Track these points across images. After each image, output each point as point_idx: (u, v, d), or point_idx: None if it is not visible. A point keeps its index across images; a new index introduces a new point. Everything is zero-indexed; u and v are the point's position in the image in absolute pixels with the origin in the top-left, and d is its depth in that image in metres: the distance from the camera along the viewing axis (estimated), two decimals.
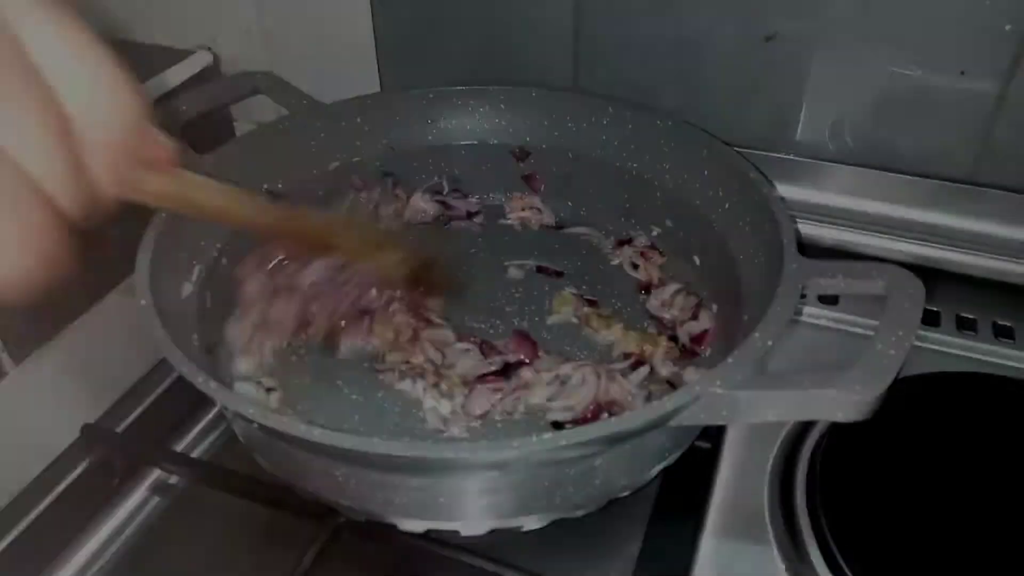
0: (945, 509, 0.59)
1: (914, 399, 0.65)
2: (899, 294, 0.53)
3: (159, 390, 0.73)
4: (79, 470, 0.67)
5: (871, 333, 0.49)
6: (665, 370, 0.67)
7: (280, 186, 0.76)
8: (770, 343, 0.51)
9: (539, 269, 0.78)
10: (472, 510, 0.54)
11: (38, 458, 0.69)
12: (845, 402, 0.47)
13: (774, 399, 0.48)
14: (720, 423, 0.50)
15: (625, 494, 0.58)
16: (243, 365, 0.66)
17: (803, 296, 0.56)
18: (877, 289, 0.55)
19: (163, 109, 0.77)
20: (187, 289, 0.65)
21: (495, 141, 0.83)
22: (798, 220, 0.81)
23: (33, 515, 0.65)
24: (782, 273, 0.57)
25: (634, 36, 0.81)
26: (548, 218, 0.84)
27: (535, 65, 0.86)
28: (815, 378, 0.48)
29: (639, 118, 0.77)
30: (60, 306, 0.78)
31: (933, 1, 0.70)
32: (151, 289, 0.57)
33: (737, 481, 0.65)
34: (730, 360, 0.50)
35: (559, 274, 0.78)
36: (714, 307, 0.72)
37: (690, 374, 0.67)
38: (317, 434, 0.46)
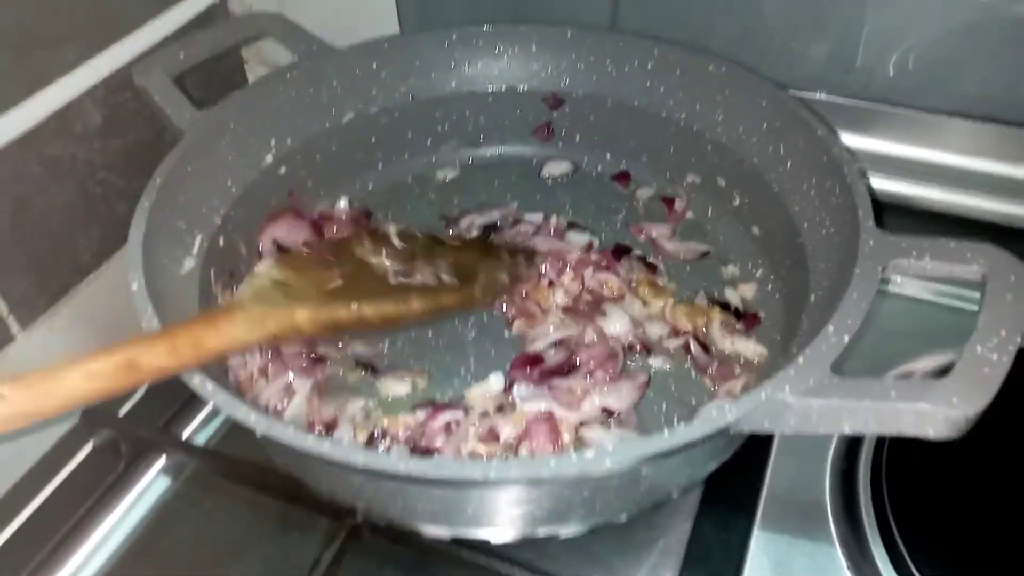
0: None
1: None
2: (1000, 283, 0.45)
3: None
4: (83, 453, 0.63)
5: (956, 303, 0.42)
6: (726, 345, 0.61)
7: (289, 142, 0.69)
8: (847, 339, 0.45)
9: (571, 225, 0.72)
10: (503, 519, 0.49)
11: (40, 439, 0.65)
12: (938, 418, 0.40)
13: (852, 411, 0.42)
14: (786, 432, 0.44)
15: (674, 496, 0.53)
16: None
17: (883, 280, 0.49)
18: (972, 274, 0.48)
19: (164, 56, 0.69)
20: (188, 264, 0.59)
21: (525, 87, 0.75)
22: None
23: (38, 500, 0.61)
24: (858, 251, 0.49)
25: None
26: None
27: (570, 0, 0.77)
28: (903, 388, 0.41)
29: (688, 62, 0.69)
30: (68, 265, 0.73)
31: None
32: (145, 268, 0.52)
33: (792, 469, 0.59)
34: (800, 360, 0.44)
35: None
36: (771, 279, 0.65)
37: (746, 347, 0.61)
38: (327, 448, 0.41)
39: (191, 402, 0.66)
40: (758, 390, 0.42)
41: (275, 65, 0.89)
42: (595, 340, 0.60)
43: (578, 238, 0.70)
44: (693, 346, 0.60)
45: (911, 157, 0.74)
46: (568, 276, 0.66)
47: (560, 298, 0.64)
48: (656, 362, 0.61)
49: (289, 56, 0.74)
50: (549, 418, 0.53)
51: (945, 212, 0.74)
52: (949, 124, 0.72)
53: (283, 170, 0.69)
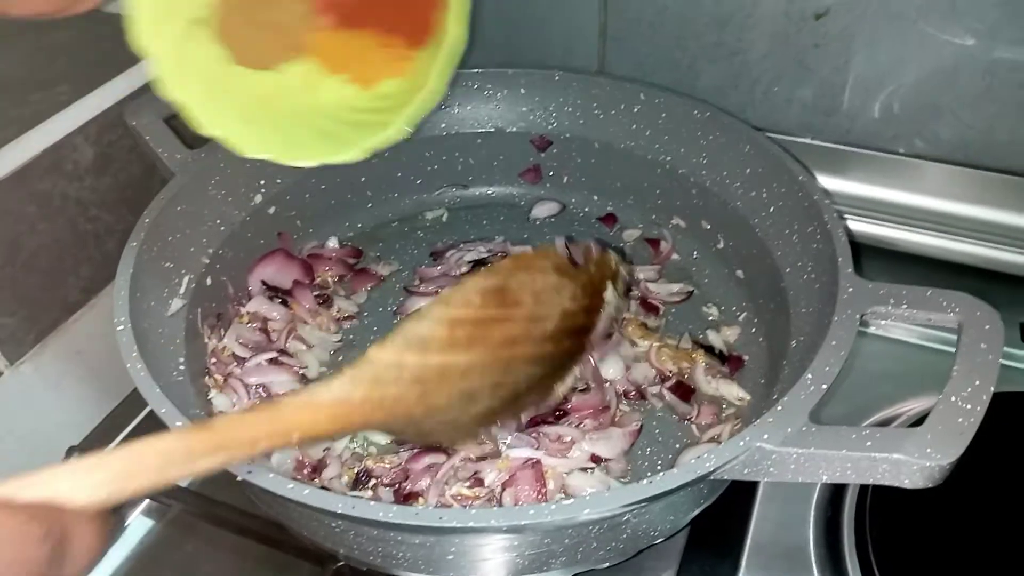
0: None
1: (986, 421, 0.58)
2: (975, 332, 0.46)
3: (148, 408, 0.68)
4: None
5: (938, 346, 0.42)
6: (710, 389, 0.61)
7: (279, 182, 0.70)
8: (824, 387, 0.45)
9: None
10: (485, 567, 0.49)
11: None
12: (914, 468, 0.41)
13: (830, 460, 0.42)
14: (764, 479, 0.44)
15: (657, 542, 0.53)
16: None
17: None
18: (949, 322, 0.48)
19: (156, 97, 0.70)
20: (175, 305, 0.59)
21: (514, 129, 0.76)
22: (845, 216, 0.74)
23: None
24: (837, 299, 0.50)
25: (669, 11, 0.73)
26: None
27: (558, 44, 0.78)
28: (879, 438, 0.42)
29: (673, 106, 0.70)
30: (57, 302, 0.73)
31: None
32: (132, 309, 0.52)
33: (777, 515, 0.59)
34: (779, 408, 0.44)
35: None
36: (755, 322, 0.65)
37: (730, 391, 0.61)
38: (308, 495, 0.41)
39: None
40: (737, 439, 0.43)
41: None
42: (589, 384, 0.60)
43: None
44: (678, 391, 0.60)
45: (893, 201, 0.75)
46: None
47: None
48: (645, 406, 0.61)
49: None
50: (536, 465, 0.53)
51: (925, 255, 0.75)
52: (929, 168, 0.73)
53: (272, 210, 0.70)
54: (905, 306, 0.49)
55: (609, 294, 0.55)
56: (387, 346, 0.40)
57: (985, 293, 0.50)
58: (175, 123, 0.69)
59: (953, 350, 0.67)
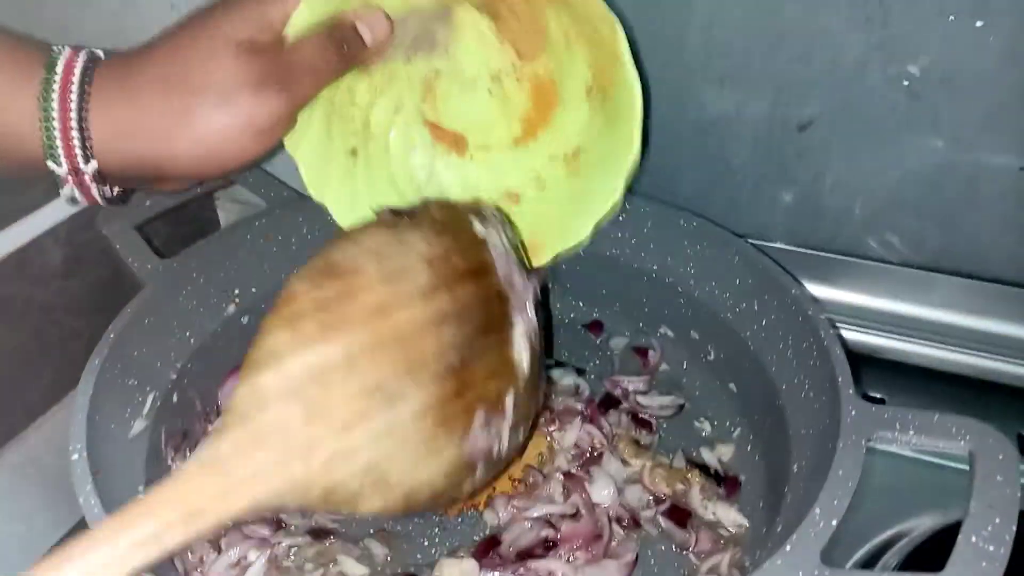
0: None
1: None
2: (988, 462, 0.44)
3: None
4: None
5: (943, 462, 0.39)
6: (708, 513, 0.57)
7: (253, 291, 0.67)
8: (835, 523, 0.42)
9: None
10: None
11: None
12: None
13: None
14: None
15: None
16: None
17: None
18: (959, 450, 0.46)
19: (129, 206, 0.68)
20: (137, 427, 0.55)
21: None
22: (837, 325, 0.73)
23: None
24: (840, 423, 0.47)
25: (652, 117, 0.73)
26: None
27: None
28: None
29: (659, 215, 0.69)
30: (16, 410, 0.70)
31: (992, 85, 0.62)
32: (89, 436, 0.48)
33: None
34: (788, 548, 0.41)
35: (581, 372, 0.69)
36: (751, 439, 0.63)
37: (727, 516, 0.57)
38: None
39: None
40: None
41: (246, 202, 0.89)
42: (580, 511, 0.56)
43: (567, 377, 0.68)
44: (673, 516, 0.57)
45: (880, 309, 0.74)
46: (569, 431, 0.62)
47: (563, 461, 0.60)
48: (639, 533, 0.57)
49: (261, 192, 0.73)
50: None
51: (913, 363, 0.73)
52: (916, 276, 0.72)
53: (246, 319, 0.67)
54: (912, 432, 0.47)
55: (479, 227, 0.49)
56: (240, 378, 0.36)
57: (977, 402, 0.48)
58: (147, 231, 0.66)
59: (956, 465, 0.66)
